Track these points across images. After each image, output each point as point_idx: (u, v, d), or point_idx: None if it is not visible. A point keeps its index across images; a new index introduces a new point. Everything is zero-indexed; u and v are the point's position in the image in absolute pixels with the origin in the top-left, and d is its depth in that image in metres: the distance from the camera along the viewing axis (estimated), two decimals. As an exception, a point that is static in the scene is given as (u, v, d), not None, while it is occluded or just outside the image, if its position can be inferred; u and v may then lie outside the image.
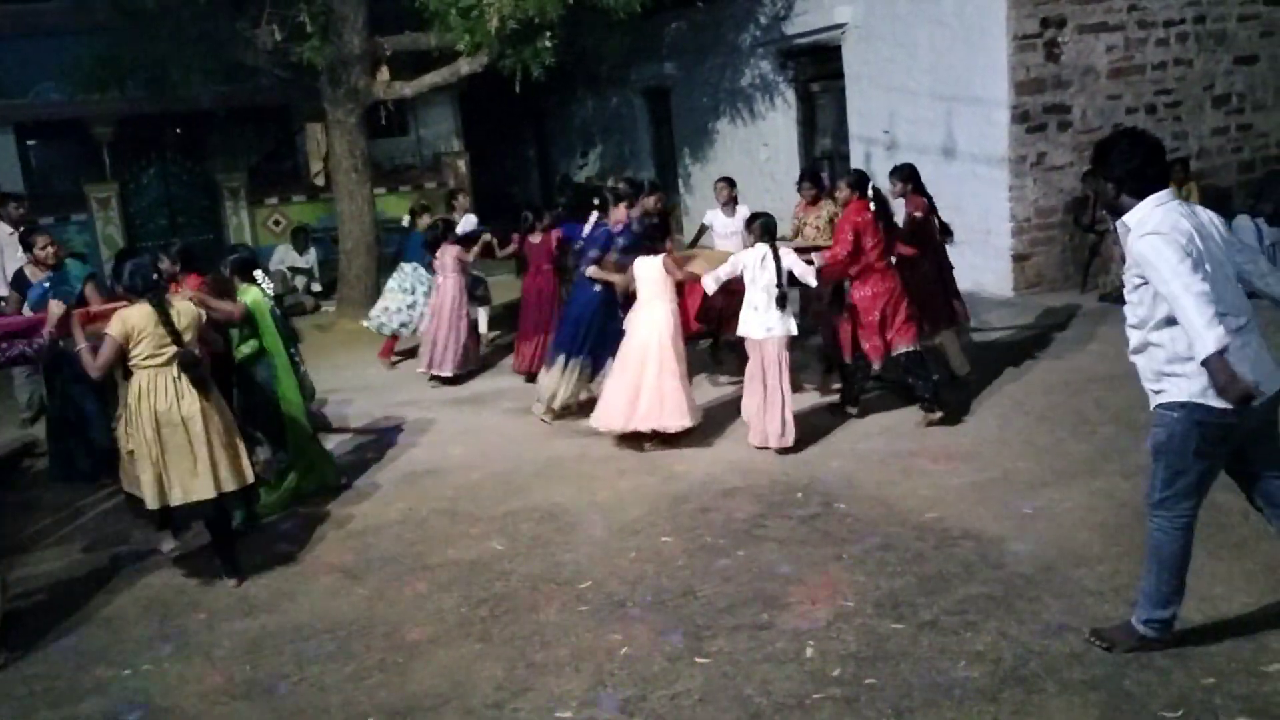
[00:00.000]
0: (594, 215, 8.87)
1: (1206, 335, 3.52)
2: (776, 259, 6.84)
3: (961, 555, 5.20)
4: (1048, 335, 9.10)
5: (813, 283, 6.99)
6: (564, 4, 10.42)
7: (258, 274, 6.75)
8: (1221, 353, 3.53)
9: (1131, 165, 3.87)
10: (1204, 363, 3.58)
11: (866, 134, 11.94)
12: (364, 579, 5.55)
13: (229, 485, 5.48)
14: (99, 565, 5.95)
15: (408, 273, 10.25)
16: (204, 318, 5.67)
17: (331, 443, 7.69)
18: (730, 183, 9.57)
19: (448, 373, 9.44)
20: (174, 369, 5.35)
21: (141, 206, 16.13)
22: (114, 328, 5.28)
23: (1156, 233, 3.69)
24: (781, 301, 6.82)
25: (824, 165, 12.72)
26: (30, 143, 17.01)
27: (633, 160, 17.46)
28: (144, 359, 5.31)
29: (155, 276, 5.53)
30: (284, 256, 13.97)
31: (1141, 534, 4.20)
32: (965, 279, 10.57)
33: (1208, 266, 3.68)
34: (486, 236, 10.03)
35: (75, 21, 13.13)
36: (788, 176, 13.52)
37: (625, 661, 4.48)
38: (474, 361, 9.84)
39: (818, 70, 13.00)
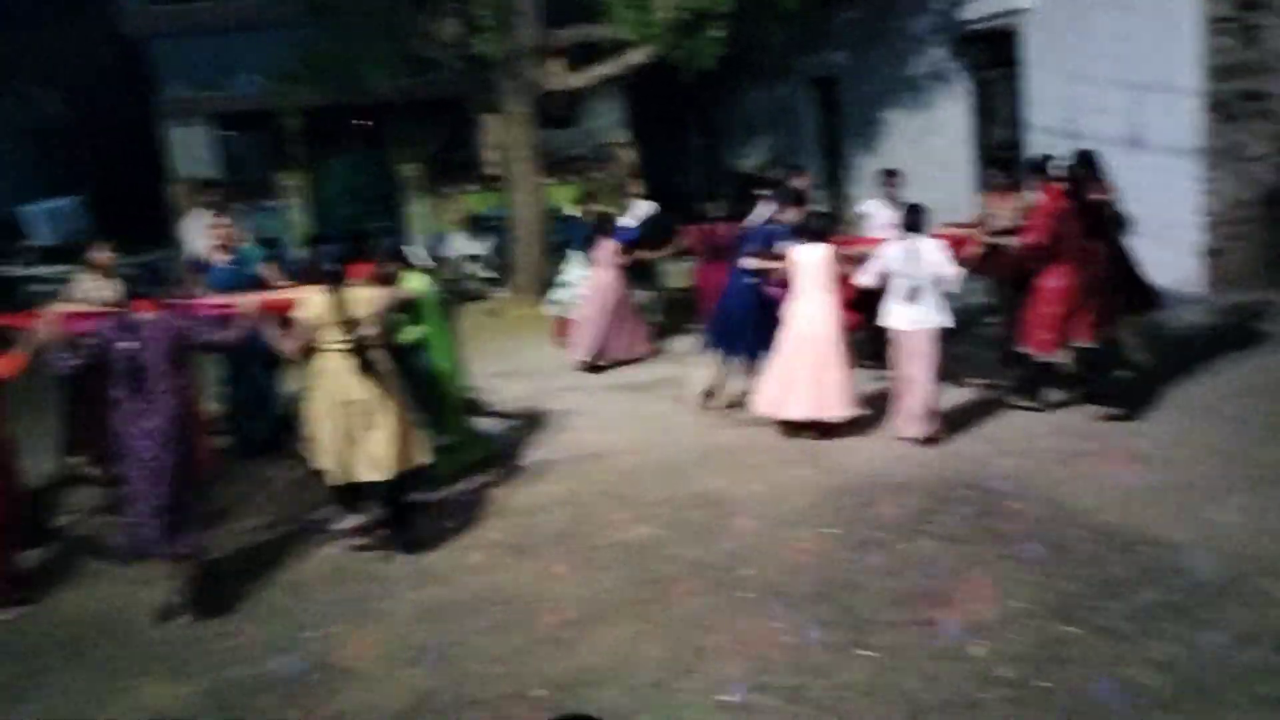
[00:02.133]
0: (760, 207, 8.82)
1: None
2: (921, 251, 6.73)
3: (1140, 560, 4.99)
4: (1241, 335, 8.58)
5: (952, 282, 6.80)
6: (731, -5, 10.41)
7: (414, 259, 6.92)
8: None
9: None
10: None
11: (1045, 123, 11.49)
12: (530, 556, 5.72)
13: (401, 466, 5.73)
14: (286, 534, 6.31)
15: (574, 261, 10.46)
16: (381, 305, 5.92)
17: (495, 424, 7.95)
18: (892, 174, 9.37)
19: (595, 359, 9.63)
20: (350, 354, 5.62)
21: (328, 194, 17.04)
22: (302, 311, 5.61)
23: None
24: (926, 294, 6.71)
25: (1001, 153, 12.32)
26: (228, 132, 18.14)
27: (799, 150, 17.31)
28: (323, 342, 5.61)
29: (338, 264, 5.84)
30: (458, 244, 14.45)
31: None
32: (1150, 274, 10.10)
33: None
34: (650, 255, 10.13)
35: (270, 17, 13.91)
36: (959, 167, 13.18)
37: (787, 650, 4.49)
38: (641, 350, 9.93)
39: (993, 57, 12.58)
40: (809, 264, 7.14)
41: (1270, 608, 4.39)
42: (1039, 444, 6.69)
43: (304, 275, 5.84)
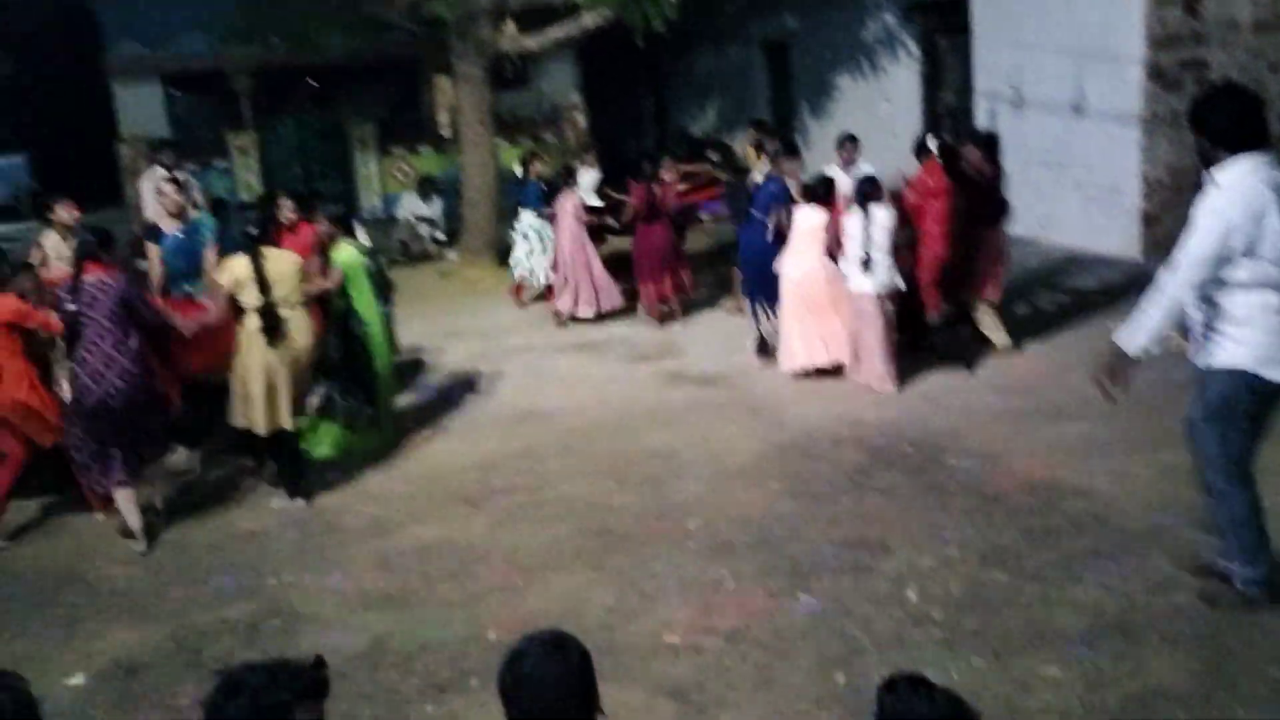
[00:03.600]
0: (765, 165, 8.91)
1: (1139, 334, 3.90)
2: (877, 220, 7.07)
3: (1070, 511, 5.22)
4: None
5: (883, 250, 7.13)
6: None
7: (355, 230, 6.96)
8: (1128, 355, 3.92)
9: (1228, 120, 3.84)
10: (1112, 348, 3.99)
11: (992, 89, 11.71)
12: (482, 509, 5.86)
13: (281, 423, 5.97)
14: (245, 487, 6.41)
15: (526, 221, 10.52)
16: (303, 273, 6.10)
17: (445, 380, 8.04)
18: (853, 140, 9.50)
19: (588, 314, 9.77)
20: (263, 315, 5.82)
21: (278, 155, 16.91)
22: (222, 276, 5.88)
23: (1221, 194, 3.75)
24: (879, 260, 7.04)
25: (946, 122, 12.52)
26: (175, 92, 17.86)
27: (749, 113, 17.40)
28: (244, 305, 5.83)
29: (259, 231, 6.05)
30: (410, 205, 14.41)
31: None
32: (1090, 240, 10.39)
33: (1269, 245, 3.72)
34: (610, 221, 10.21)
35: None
36: (909, 133, 13.36)
37: (729, 596, 4.67)
38: (616, 301, 9.96)
39: (943, 23, 12.76)
40: (808, 226, 7.51)
41: (1192, 555, 4.61)
42: (978, 401, 6.92)
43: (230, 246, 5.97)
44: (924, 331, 7.68)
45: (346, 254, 6.57)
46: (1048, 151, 10.74)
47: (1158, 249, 10.15)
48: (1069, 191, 10.68)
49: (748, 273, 8.29)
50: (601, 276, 9.86)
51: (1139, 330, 3.96)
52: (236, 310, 5.87)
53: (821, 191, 7.68)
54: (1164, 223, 10.22)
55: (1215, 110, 3.89)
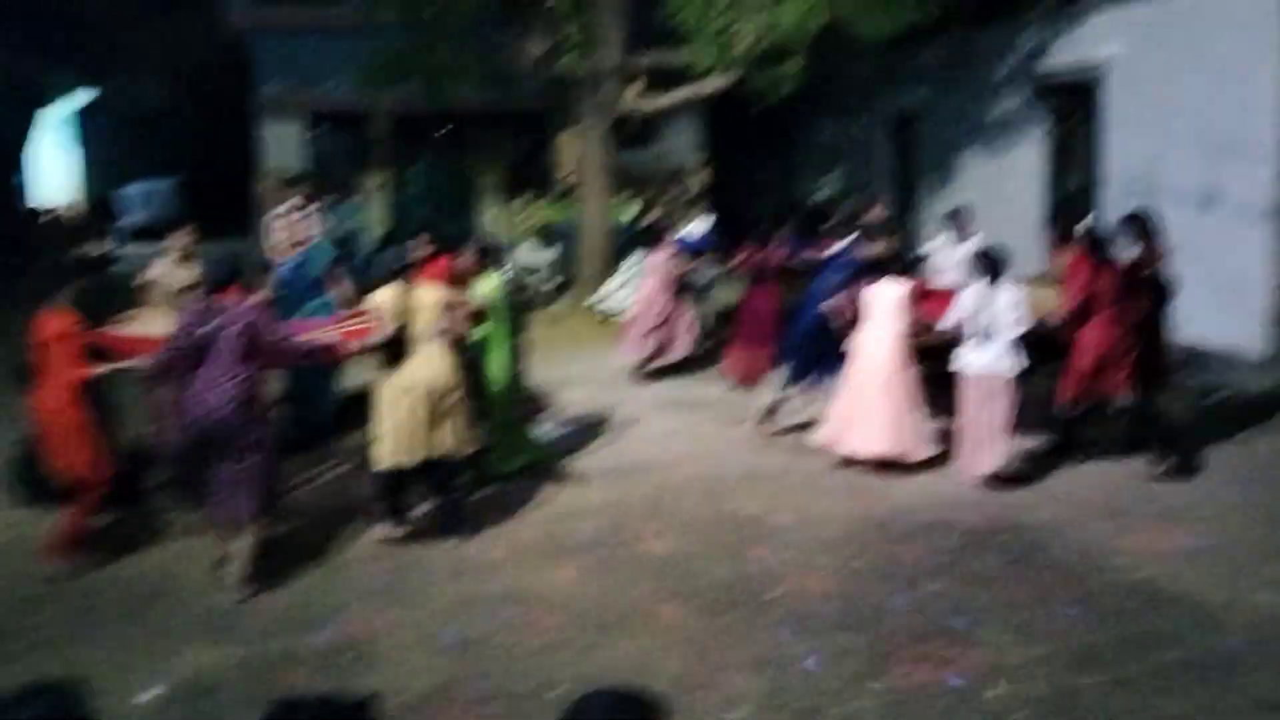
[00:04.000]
0: (852, 236, 8.87)
1: None
2: (997, 297, 6.74)
3: (1171, 618, 4.97)
4: (1303, 403, 8.45)
5: (1016, 330, 6.78)
6: (812, 29, 10.53)
7: (500, 265, 7.23)
8: None
9: None
10: None
11: (1121, 175, 11.42)
12: (562, 560, 5.87)
13: (457, 451, 6.03)
14: (333, 518, 6.53)
15: (630, 261, 10.69)
16: (446, 302, 6.17)
17: (544, 429, 8.13)
18: (963, 215, 9.37)
19: (648, 360, 9.86)
20: (420, 344, 5.90)
21: (407, 195, 17.55)
22: (379, 299, 5.94)
23: None
24: (997, 339, 6.72)
25: (1073, 205, 12.23)
26: (319, 130, 18.71)
27: (873, 185, 17.32)
28: (395, 335, 5.88)
29: (404, 264, 6.15)
30: (526, 252, 14.71)
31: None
32: (1216, 335, 9.97)
33: None
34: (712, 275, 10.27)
35: (364, 24, 14.32)
36: (1032, 213, 13.10)
37: (803, 674, 4.56)
38: (689, 350, 10.03)
39: (1072, 107, 12.53)
40: (885, 300, 7.21)
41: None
42: (1081, 495, 6.67)
43: (375, 277, 6.11)
44: (1061, 421, 7.39)
45: (489, 285, 6.95)
46: (1177, 243, 10.38)
47: (1287, 348, 9.72)
48: (1196, 285, 10.23)
49: (804, 343, 8.02)
50: (681, 326, 9.88)
51: None
52: (390, 342, 5.96)
53: (900, 266, 7.42)
54: (1295, 321, 9.79)
55: None
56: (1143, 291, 7.25)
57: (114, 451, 5.98)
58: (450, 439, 6.00)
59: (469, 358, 6.98)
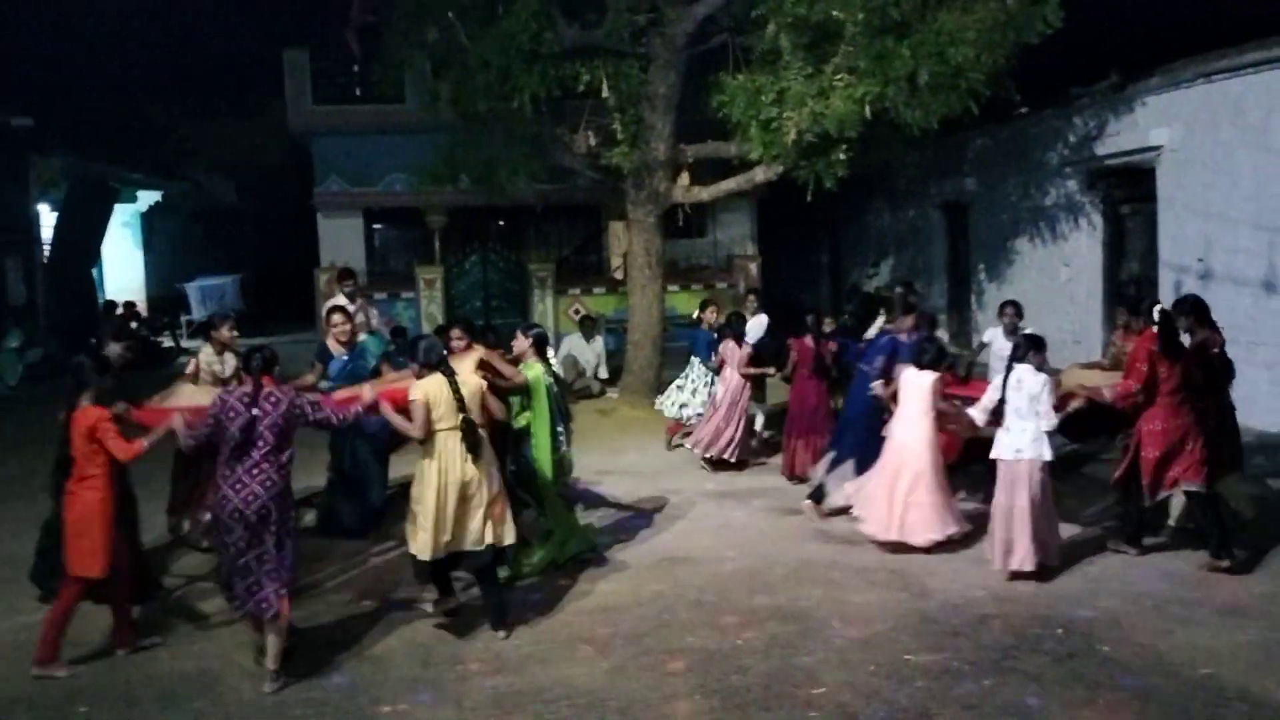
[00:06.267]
0: (880, 320, 8.88)
1: None
2: (1026, 383, 6.67)
3: (1230, 718, 4.73)
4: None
5: (1049, 423, 6.67)
6: (861, 120, 10.63)
7: (549, 353, 7.28)
8: None
9: None
10: None
11: (1178, 261, 11.27)
12: (607, 653, 5.77)
13: (497, 540, 5.98)
14: (373, 610, 6.51)
15: (694, 370, 10.61)
16: (486, 389, 6.21)
17: (592, 519, 8.07)
18: (1015, 307, 9.27)
19: (713, 454, 9.76)
20: (458, 434, 5.88)
21: (462, 289, 17.89)
22: (417, 394, 5.91)
23: None
24: (1029, 424, 6.63)
25: (1130, 290, 12.08)
26: (376, 226, 19.30)
27: (925, 273, 17.29)
28: (436, 424, 5.88)
29: (444, 352, 6.17)
30: (572, 343, 14.77)
31: None
32: (1274, 422, 9.69)
33: None
34: (770, 370, 10.22)
35: (422, 122, 14.80)
36: (1088, 299, 12.96)
37: (847, 774, 4.40)
38: (746, 453, 10.01)
39: (1128, 192, 12.46)
40: (915, 387, 7.25)
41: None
42: (1137, 587, 6.44)
43: (421, 365, 6.11)
44: (1121, 511, 7.24)
45: (534, 371, 6.99)
46: (1236, 328, 10.15)
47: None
48: (1259, 370, 10.04)
49: (854, 427, 8.07)
50: (740, 431, 9.84)
51: None
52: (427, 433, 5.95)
53: (929, 359, 7.36)
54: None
55: None
56: (1209, 376, 7.09)
57: (130, 544, 6.07)
58: (486, 530, 5.95)
59: (519, 445, 7.00)
